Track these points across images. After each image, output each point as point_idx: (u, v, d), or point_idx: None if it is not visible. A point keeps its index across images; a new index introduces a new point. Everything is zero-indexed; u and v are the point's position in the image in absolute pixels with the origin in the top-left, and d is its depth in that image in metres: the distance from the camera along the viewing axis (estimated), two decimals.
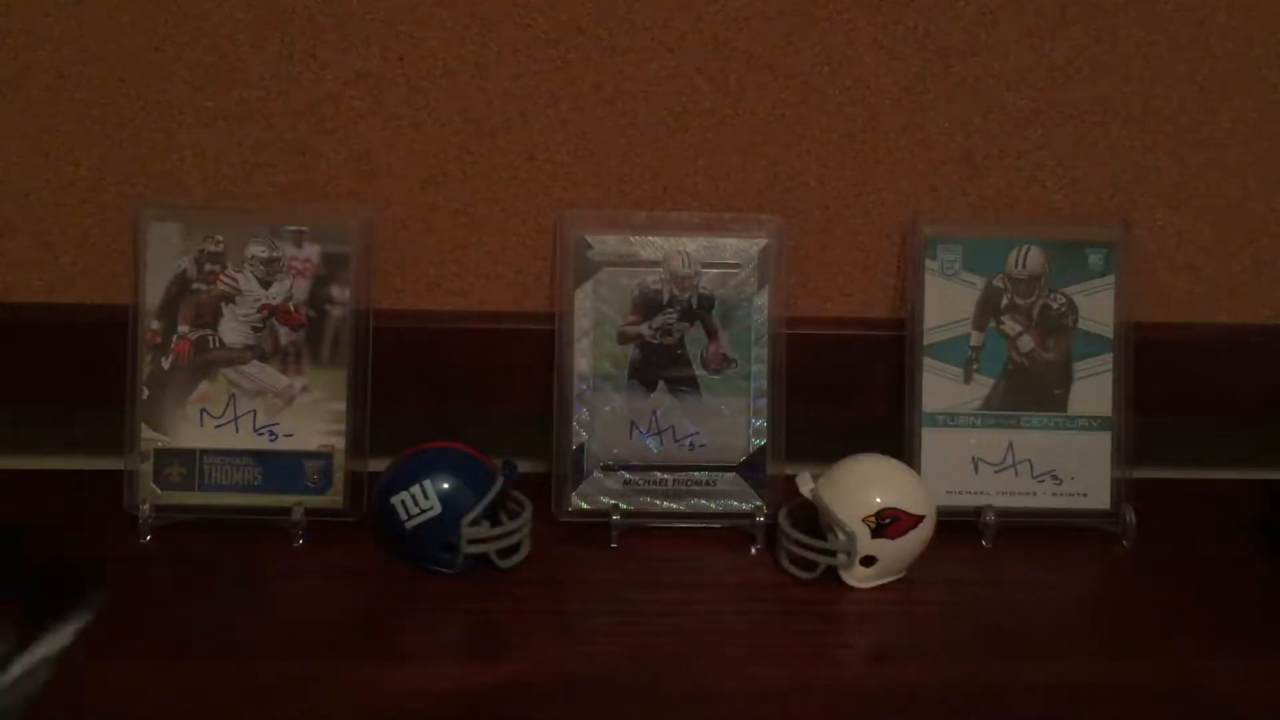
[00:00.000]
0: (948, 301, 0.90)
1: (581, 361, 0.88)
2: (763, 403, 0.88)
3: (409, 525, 0.81)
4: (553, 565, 0.83)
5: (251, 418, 0.86)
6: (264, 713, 0.67)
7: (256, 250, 0.87)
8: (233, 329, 0.86)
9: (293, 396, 0.86)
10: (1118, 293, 0.90)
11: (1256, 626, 0.79)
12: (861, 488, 0.81)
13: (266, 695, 0.68)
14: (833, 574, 0.81)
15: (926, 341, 0.90)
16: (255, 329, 0.86)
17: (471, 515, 0.80)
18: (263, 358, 0.86)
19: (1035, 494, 0.89)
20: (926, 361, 0.90)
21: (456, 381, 0.91)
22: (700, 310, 0.89)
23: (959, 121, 0.90)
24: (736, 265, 0.89)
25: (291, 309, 0.87)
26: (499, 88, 0.88)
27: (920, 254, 0.90)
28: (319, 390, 0.87)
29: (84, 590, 0.76)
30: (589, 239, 0.89)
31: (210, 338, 0.86)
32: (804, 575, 0.81)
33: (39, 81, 0.86)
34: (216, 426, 0.86)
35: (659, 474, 0.88)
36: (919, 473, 0.86)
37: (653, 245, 0.89)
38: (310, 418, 0.86)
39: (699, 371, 0.88)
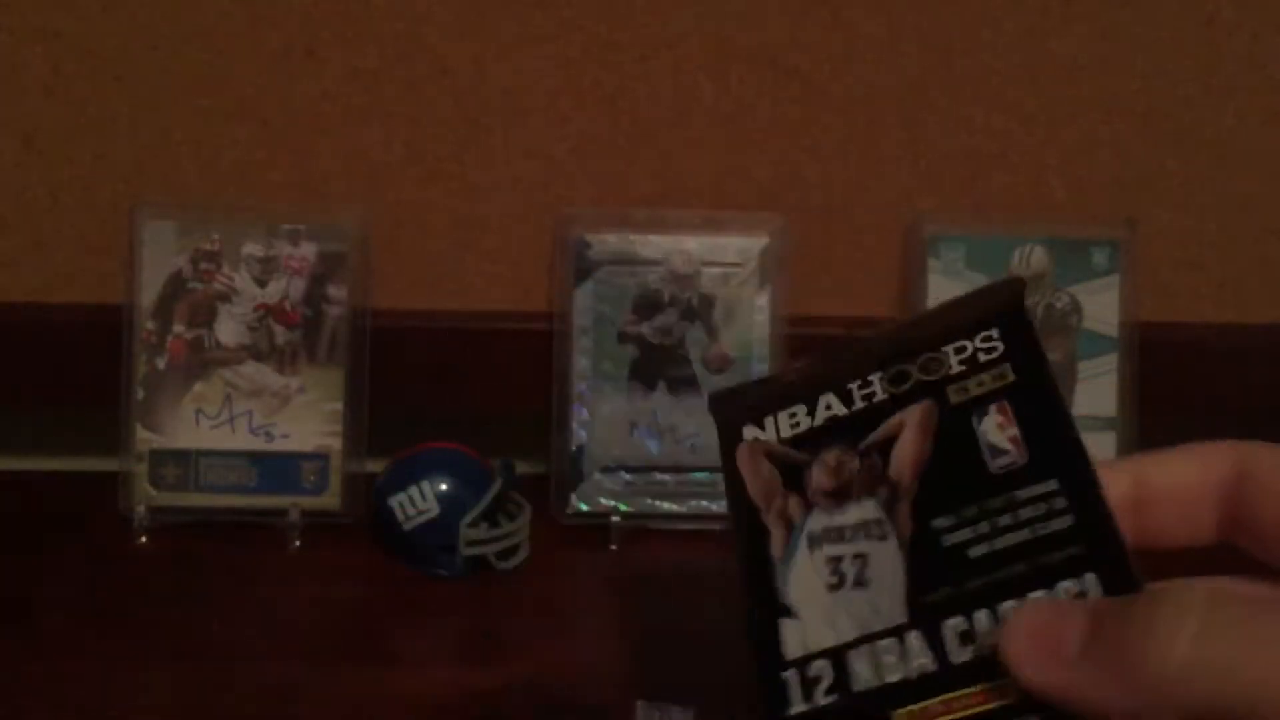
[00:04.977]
0: None
1: (581, 361, 0.88)
2: None
3: (407, 527, 0.80)
4: (552, 567, 0.83)
5: (248, 418, 0.85)
6: (260, 715, 0.67)
7: (252, 249, 0.86)
8: (229, 329, 0.86)
9: (289, 397, 0.86)
10: (1122, 292, 0.89)
11: None
12: None
13: (262, 697, 0.68)
14: None
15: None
16: (251, 329, 0.86)
17: (470, 517, 0.80)
18: (259, 358, 0.86)
19: None
20: None
21: (454, 381, 0.90)
22: (701, 310, 0.88)
23: (962, 119, 0.89)
24: (738, 264, 0.88)
25: (287, 308, 0.86)
26: (497, 85, 0.87)
27: (923, 253, 0.89)
28: (316, 390, 0.86)
29: None
30: (588, 238, 0.88)
31: (206, 337, 0.86)
32: None
33: (33, 79, 0.86)
34: (212, 427, 0.85)
35: (659, 475, 0.87)
36: None
37: (653, 244, 0.88)
38: (307, 418, 0.86)
39: (699, 371, 0.88)
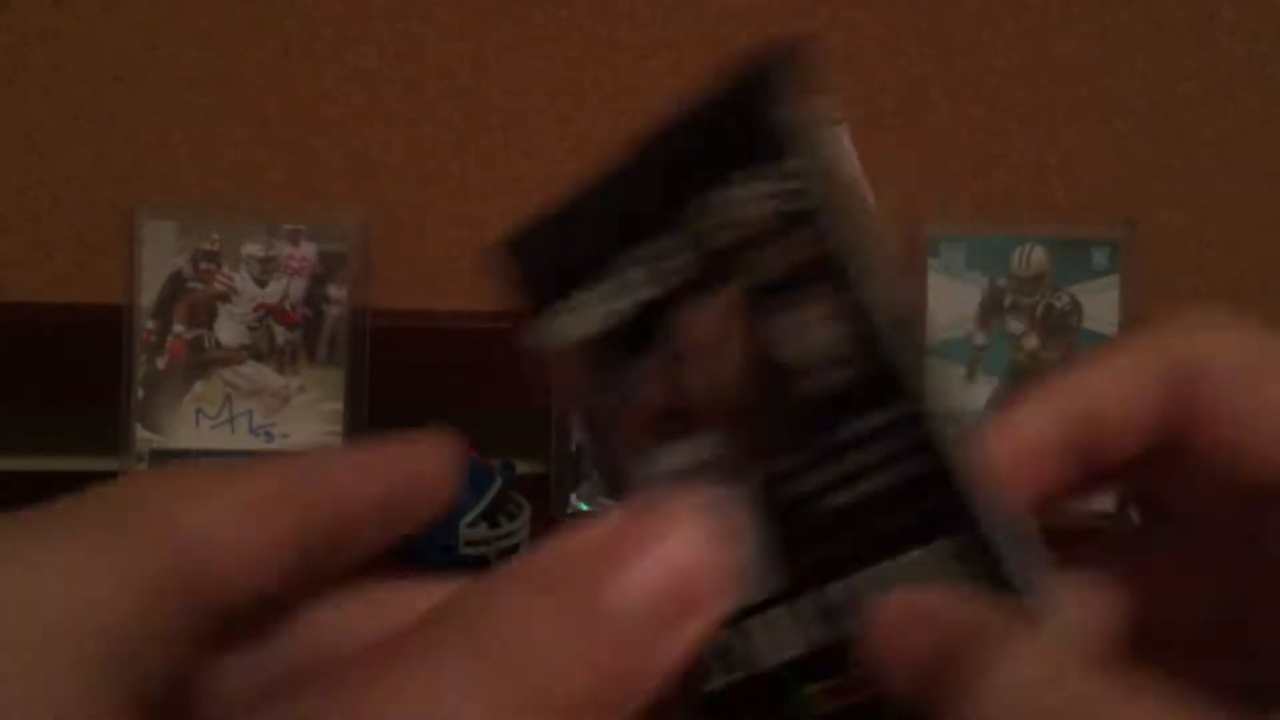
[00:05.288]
0: (951, 301, 0.89)
1: None
2: None
3: None
4: None
5: (248, 418, 0.85)
6: None
7: (252, 249, 0.86)
8: (229, 329, 0.86)
9: (289, 397, 0.86)
10: (1122, 292, 0.89)
11: None
12: None
13: None
14: None
15: (930, 341, 0.89)
16: (251, 329, 0.86)
17: (470, 517, 0.79)
18: (259, 358, 0.86)
19: None
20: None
21: (454, 381, 0.90)
22: None
23: (962, 119, 0.89)
24: None
25: (287, 308, 0.86)
26: (497, 85, 0.87)
27: (923, 253, 0.89)
28: (316, 390, 0.86)
29: None
30: None
31: (206, 337, 0.86)
32: None
33: (33, 79, 0.86)
34: (212, 427, 0.85)
35: None
36: None
37: None
38: (307, 418, 0.86)
39: None
